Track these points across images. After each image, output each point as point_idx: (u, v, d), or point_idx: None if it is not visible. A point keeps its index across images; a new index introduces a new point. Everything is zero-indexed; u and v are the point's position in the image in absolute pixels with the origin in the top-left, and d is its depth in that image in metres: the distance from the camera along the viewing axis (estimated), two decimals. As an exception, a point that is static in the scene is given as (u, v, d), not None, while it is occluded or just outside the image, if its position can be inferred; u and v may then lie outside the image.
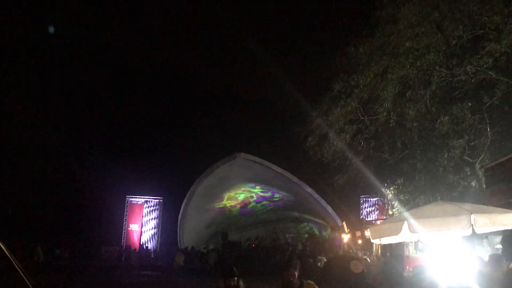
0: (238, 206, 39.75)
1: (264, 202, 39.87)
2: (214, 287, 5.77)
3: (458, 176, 14.32)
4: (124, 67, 49.91)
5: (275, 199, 39.30)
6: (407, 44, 13.76)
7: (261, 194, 38.85)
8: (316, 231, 39.13)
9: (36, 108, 37.73)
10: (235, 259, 28.82)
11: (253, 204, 40.02)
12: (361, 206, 34.59)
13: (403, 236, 7.98)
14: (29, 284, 5.93)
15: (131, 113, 46.41)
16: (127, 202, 36.24)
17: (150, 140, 46.02)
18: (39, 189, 36.82)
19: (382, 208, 25.42)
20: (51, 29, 39.79)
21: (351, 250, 23.13)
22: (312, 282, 5.27)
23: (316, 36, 42.90)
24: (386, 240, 9.17)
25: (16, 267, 5.86)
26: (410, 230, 7.43)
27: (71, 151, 37.58)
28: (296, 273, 5.35)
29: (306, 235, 38.04)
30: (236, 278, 5.21)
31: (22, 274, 5.89)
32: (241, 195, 38.75)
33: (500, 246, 10.60)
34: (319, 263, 19.94)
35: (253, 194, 38.85)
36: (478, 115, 13.25)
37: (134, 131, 45.78)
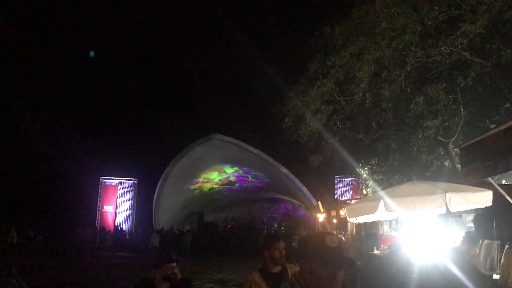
0: (214, 187, 39.77)
1: (240, 183, 39.96)
2: (145, 279, 4.03)
3: (431, 156, 14.50)
4: (97, 46, 48.87)
5: (251, 180, 39.40)
6: (383, 24, 13.70)
7: (237, 175, 38.91)
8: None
9: (4, 88, 36.76)
10: (211, 240, 28.94)
11: (229, 185, 40.08)
12: (336, 186, 34.99)
13: (379, 215, 8.04)
14: None
15: (104, 93, 45.60)
16: (101, 183, 35.90)
17: (124, 121, 45.47)
18: (11, 171, 36.13)
19: (356, 188, 25.73)
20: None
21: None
22: (293, 265, 4.26)
23: (292, 16, 42.69)
24: (362, 219, 9.26)
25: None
26: (386, 209, 7.49)
27: (44, 132, 36.84)
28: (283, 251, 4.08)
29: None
30: (175, 265, 3.90)
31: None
32: (217, 176, 38.74)
33: (472, 224, 10.85)
34: (294, 243, 20.18)
35: (229, 175, 38.88)
36: (452, 96, 13.37)
37: (107, 111, 45.11)
